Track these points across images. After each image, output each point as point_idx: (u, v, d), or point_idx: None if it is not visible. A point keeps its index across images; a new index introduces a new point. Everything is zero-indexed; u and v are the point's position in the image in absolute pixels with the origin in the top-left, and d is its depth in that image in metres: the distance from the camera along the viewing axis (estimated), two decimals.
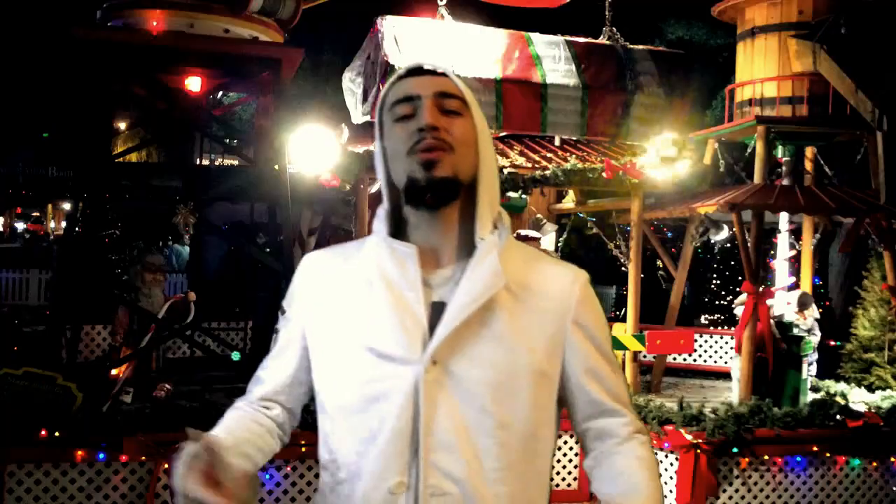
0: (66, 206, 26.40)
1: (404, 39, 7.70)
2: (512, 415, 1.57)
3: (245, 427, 1.70)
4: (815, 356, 8.17)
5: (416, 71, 1.68)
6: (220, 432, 1.64)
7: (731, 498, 6.41)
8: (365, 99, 7.99)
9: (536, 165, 7.76)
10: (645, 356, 8.58)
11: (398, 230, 1.68)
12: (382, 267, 1.63)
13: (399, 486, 1.53)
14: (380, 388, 1.56)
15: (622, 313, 10.80)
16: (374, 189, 7.84)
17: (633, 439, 1.69)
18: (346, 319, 1.64)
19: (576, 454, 7.14)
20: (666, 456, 6.54)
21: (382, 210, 1.70)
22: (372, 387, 1.57)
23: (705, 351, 9.82)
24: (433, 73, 1.68)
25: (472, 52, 7.90)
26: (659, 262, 11.03)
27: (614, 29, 8.69)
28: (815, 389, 8.09)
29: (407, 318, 1.57)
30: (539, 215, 9.48)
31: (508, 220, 1.69)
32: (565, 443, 7.12)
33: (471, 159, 1.63)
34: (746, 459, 6.42)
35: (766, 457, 6.45)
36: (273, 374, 1.76)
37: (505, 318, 1.59)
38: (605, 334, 1.72)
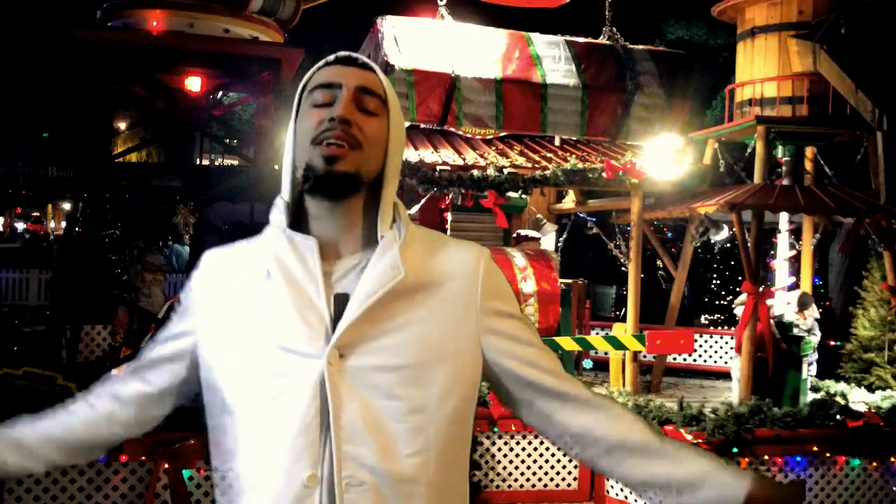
0: (66, 206, 26.41)
1: (404, 39, 7.70)
2: (425, 399, 1.56)
3: (59, 421, 1.75)
4: (815, 356, 8.17)
5: (345, 60, 1.67)
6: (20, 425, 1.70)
7: None
8: None
9: (536, 165, 7.76)
10: (645, 356, 8.58)
11: (297, 221, 1.66)
12: (281, 259, 1.61)
13: (312, 478, 1.52)
14: (284, 384, 1.55)
15: (622, 313, 10.80)
16: None
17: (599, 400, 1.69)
18: (247, 314, 1.62)
19: (576, 454, 7.14)
20: None
21: (281, 200, 1.68)
22: (277, 382, 1.55)
23: (705, 351, 9.82)
24: (361, 65, 1.67)
25: (472, 52, 7.90)
26: (659, 262, 11.03)
27: (614, 29, 8.69)
28: (815, 389, 8.09)
29: (308, 312, 1.56)
30: (539, 215, 9.48)
31: (405, 213, 1.68)
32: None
33: (377, 159, 1.63)
34: (746, 459, 6.42)
35: (766, 457, 6.45)
36: (146, 354, 1.75)
37: (409, 307, 1.58)
38: (515, 308, 1.70)
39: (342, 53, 1.69)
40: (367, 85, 1.64)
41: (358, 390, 1.54)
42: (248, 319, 1.62)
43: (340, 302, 1.57)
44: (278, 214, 1.67)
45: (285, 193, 1.67)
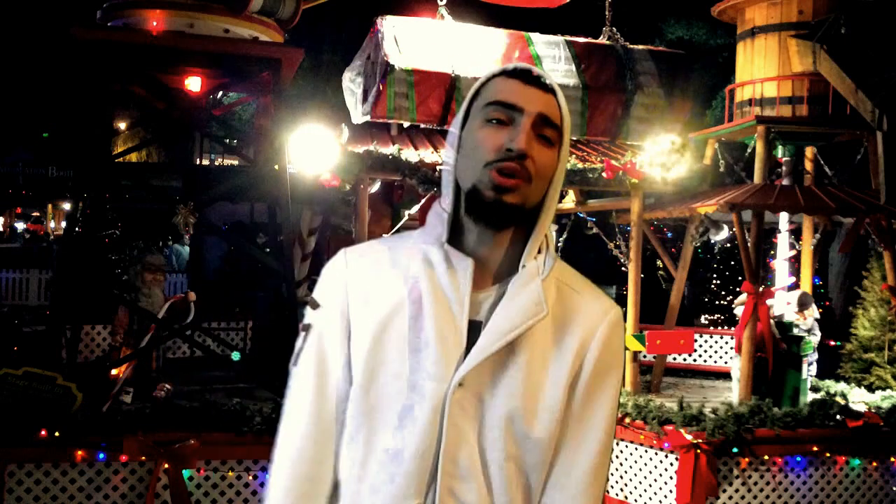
0: (66, 206, 26.41)
1: (404, 39, 7.70)
2: (523, 449, 1.53)
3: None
4: (815, 356, 8.17)
5: (527, 76, 1.58)
6: None
7: (731, 498, 6.41)
8: (365, 99, 7.98)
9: None
10: (645, 356, 8.58)
11: (453, 234, 1.60)
12: (436, 272, 1.56)
13: None
14: (412, 401, 1.51)
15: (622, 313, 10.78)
16: (373, 189, 7.84)
17: None
18: (388, 321, 1.56)
19: None
20: (666, 456, 6.54)
21: (443, 211, 1.61)
22: (405, 397, 1.51)
23: (705, 351, 9.81)
24: (542, 84, 1.59)
25: (472, 52, 7.89)
26: (659, 262, 11.03)
27: (614, 29, 8.69)
28: (815, 389, 8.09)
29: (448, 333, 1.52)
30: None
31: (553, 245, 1.64)
32: None
33: (543, 190, 1.58)
34: (746, 459, 6.42)
35: (766, 457, 6.46)
36: (316, 399, 1.61)
37: (534, 349, 1.53)
38: (613, 381, 1.60)
39: (524, 67, 1.60)
40: (548, 114, 1.56)
41: (470, 425, 1.51)
42: (390, 325, 1.56)
43: (474, 329, 1.53)
44: (438, 225, 1.61)
45: (447, 205, 1.60)
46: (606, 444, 1.58)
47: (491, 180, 1.51)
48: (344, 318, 1.60)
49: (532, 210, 1.57)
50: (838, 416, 6.68)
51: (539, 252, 1.59)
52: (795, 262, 8.63)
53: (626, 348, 7.56)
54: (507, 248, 1.59)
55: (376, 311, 1.58)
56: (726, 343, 9.60)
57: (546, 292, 1.55)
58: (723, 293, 12.82)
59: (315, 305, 1.65)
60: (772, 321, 7.49)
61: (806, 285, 8.70)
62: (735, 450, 6.36)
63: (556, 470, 1.56)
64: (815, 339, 7.86)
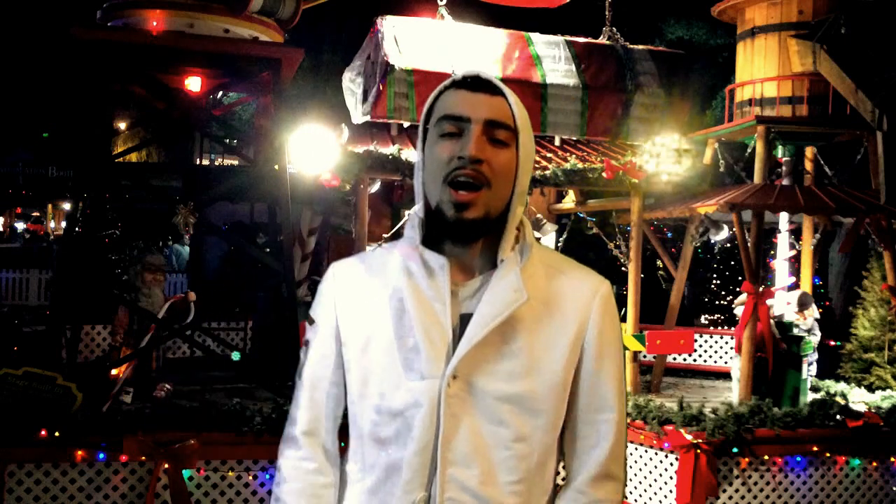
0: (66, 206, 26.42)
1: (404, 39, 7.70)
2: (531, 429, 1.58)
3: None
4: (815, 356, 8.17)
5: (473, 84, 1.62)
6: None
7: (731, 498, 6.41)
8: (365, 99, 7.99)
9: (536, 165, 7.76)
10: (645, 356, 8.58)
11: (429, 237, 1.66)
12: (413, 275, 1.61)
13: (423, 500, 1.55)
14: (407, 401, 1.56)
15: (622, 313, 10.80)
16: (373, 189, 7.84)
17: None
18: (373, 328, 1.63)
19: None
20: (666, 456, 6.54)
21: (416, 216, 1.67)
22: (400, 398, 1.57)
23: (705, 351, 9.81)
24: (491, 88, 1.62)
25: (472, 52, 7.90)
26: (659, 262, 11.02)
27: (614, 29, 8.69)
28: (815, 389, 8.09)
29: (434, 331, 1.57)
30: (539, 215, 9.48)
31: (531, 234, 1.67)
32: None
33: (506, 190, 1.61)
34: (746, 459, 6.42)
35: (766, 457, 6.45)
36: (309, 409, 1.72)
37: (525, 333, 1.59)
38: (616, 355, 1.68)
39: (470, 74, 1.65)
40: (497, 117, 1.60)
41: (469, 414, 1.55)
42: (375, 334, 1.63)
43: (465, 322, 1.58)
44: (412, 230, 1.67)
45: (419, 210, 1.67)
46: (622, 410, 1.67)
47: (450, 197, 1.57)
48: (335, 332, 1.69)
49: (501, 213, 1.62)
50: (838, 416, 6.68)
51: (516, 242, 1.64)
52: (795, 262, 8.63)
53: (625, 348, 7.56)
54: (484, 246, 1.64)
55: (364, 322, 1.65)
56: (726, 343, 9.60)
57: (529, 279, 1.60)
58: (723, 293, 12.82)
59: (311, 322, 1.75)
60: (772, 321, 7.49)
61: (806, 285, 8.70)
62: (735, 450, 6.36)
63: (580, 442, 1.66)
64: (815, 339, 7.85)
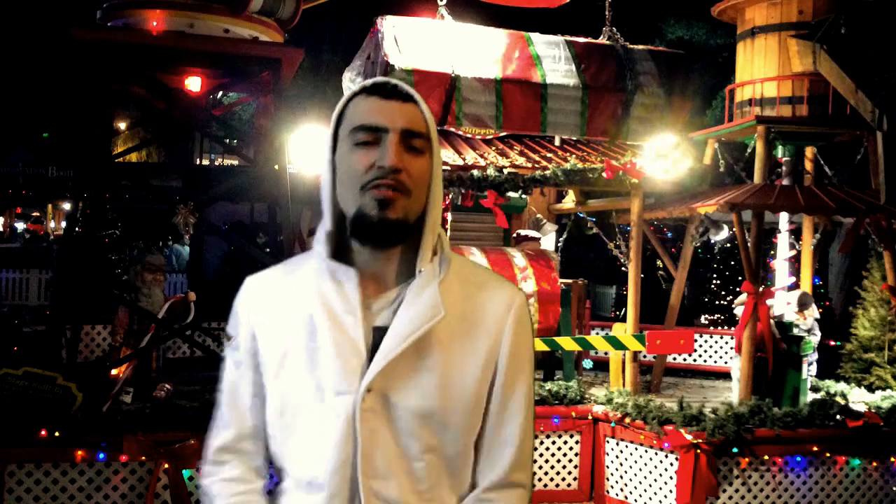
0: (66, 206, 26.42)
1: (404, 39, 7.70)
2: (441, 440, 1.59)
3: None
4: (815, 356, 8.17)
5: (384, 89, 1.62)
6: None
7: (731, 498, 6.42)
8: None
9: (536, 165, 7.76)
10: (645, 356, 8.58)
11: (339, 250, 1.66)
12: (321, 289, 1.62)
13: None
14: (323, 419, 1.58)
15: (622, 313, 10.80)
16: None
17: None
18: (287, 345, 1.63)
19: (576, 454, 7.14)
20: (666, 456, 6.54)
21: (323, 231, 1.67)
22: (316, 417, 1.58)
23: (705, 351, 9.82)
24: (402, 95, 1.62)
25: (472, 52, 7.89)
26: (659, 262, 11.02)
27: (614, 29, 8.69)
28: (815, 389, 8.09)
29: (345, 344, 1.57)
30: (539, 215, 9.48)
31: (448, 245, 1.68)
32: (565, 443, 7.12)
33: (422, 199, 1.62)
34: (746, 459, 6.42)
35: (766, 457, 6.46)
36: (232, 425, 1.73)
37: (441, 349, 1.59)
38: (526, 367, 1.68)
39: (380, 81, 1.64)
40: (413, 127, 1.60)
41: (385, 426, 1.57)
42: (287, 350, 1.63)
43: (379, 335, 1.58)
44: (319, 244, 1.66)
45: (327, 224, 1.66)
46: (528, 419, 1.67)
47: (373, 198, 1.57)
48: (251, 348, 1.69)
49: (416, 221, 1.62)
50: (838, 416, 6.68)
51: (435, 254, 1.64)
52: (795, 262, 8.63)
53: (625, 347, 7.56)
54: (400, 257, 1.64)
55: (277, 339, 1.65)
56: (726, 343, 9.61)
57: (446, 293, 1.61)
58: (723, 293, 12.82)
59: (228, 338, 1.75)
60: (772, 321, 7.49)
61: (806, 285, 8.70)
62: (735, 450, 6.36)
63: (485, 451, 1.65)
64: (815, 339, 7.85)
